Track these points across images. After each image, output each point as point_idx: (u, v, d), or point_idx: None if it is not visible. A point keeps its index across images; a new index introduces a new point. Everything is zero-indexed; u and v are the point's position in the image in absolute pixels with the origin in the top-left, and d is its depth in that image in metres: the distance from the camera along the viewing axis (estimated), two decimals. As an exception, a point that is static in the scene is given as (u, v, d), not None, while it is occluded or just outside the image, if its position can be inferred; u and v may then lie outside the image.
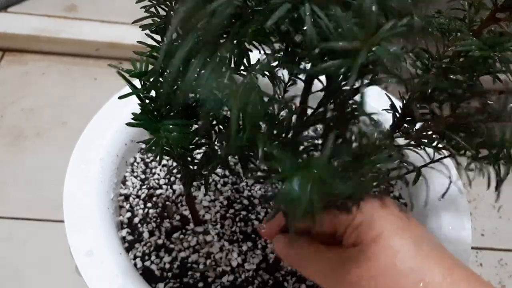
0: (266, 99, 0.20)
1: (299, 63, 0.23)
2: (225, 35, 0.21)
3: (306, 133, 0.28)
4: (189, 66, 0.16)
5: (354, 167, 0.22)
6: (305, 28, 0.19)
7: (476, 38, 0.27)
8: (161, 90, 0.26)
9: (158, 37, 0.29)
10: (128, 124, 0.27)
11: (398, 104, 0.34)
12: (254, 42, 0.23)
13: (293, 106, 0.25)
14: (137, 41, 0.27)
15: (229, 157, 0.32)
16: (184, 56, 0.16)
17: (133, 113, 0.27)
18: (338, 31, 0.18)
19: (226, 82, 0.17)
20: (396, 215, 0.31)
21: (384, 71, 0.20)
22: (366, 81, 0.20)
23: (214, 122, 0.29)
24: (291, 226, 0.33)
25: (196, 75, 0.17)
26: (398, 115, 0.34)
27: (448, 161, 0.34)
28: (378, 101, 0.42)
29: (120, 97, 0.28)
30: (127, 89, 0.29)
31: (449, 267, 0.30)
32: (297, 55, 0.22)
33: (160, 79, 0.26)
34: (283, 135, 0.25)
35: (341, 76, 0.21)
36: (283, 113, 0.25)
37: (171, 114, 0.27)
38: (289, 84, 0.37)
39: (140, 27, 0.27)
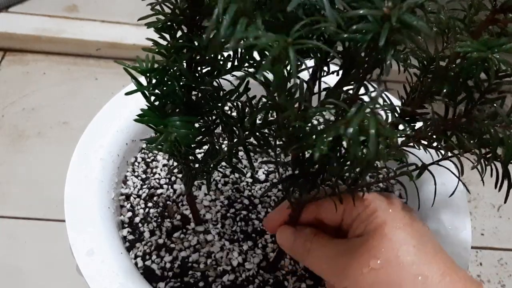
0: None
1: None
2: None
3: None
4: (237, 25, 0.20)
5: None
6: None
7: (475, 39, 0.27)
8: (165, 87, 0.27)
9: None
10: (136, 120, 0.27)
11: (397, 102, 0.34)
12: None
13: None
14: (146, 38, 0.27)
15: (233, 150, 0.32)
16: (230, 20, 0.19)
17: (141, 109, 0.27)
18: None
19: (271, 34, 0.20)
20: (401, 211, 0.32)
21: (409, 37, 0.21)
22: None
23: (218, 121, 0.29)
24: (296, 213, 0.33)
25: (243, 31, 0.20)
26: (396, 115, 0.34)
27: (446, 162, 0.35)
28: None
29: (127, 93, 0.28)
30: (128, 89, 0.29)
31: (449, 266, 0.30)
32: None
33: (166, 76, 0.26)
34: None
35: (363, 49, 0.23)
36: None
37: (176, 111, 0.27)
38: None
39: (145, 24, 0.27)
